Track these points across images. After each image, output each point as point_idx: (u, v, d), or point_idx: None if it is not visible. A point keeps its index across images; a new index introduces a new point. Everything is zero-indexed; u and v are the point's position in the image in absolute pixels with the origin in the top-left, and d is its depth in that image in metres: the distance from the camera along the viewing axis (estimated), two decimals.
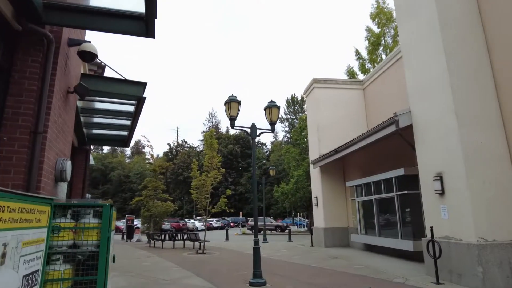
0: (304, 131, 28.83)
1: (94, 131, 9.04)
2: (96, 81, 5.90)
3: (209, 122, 72.83)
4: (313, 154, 16.93)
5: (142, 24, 4.15)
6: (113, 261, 4.22)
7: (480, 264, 6.47)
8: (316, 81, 16.89)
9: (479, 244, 6.56)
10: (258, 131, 8.80)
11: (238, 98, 8.70)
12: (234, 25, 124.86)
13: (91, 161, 12.12)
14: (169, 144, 69.80)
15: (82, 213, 3.59)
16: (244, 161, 56.94)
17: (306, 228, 32.22)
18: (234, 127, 8.68)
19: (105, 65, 8.92)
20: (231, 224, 44.66)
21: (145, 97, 6.18)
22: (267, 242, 18.53)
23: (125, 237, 24.67)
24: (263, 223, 22.14)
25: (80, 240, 3.51)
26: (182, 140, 70.96)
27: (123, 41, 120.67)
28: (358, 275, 8.36)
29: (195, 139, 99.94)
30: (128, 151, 79.85)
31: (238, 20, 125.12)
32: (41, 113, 3.76)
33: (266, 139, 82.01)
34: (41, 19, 3.79)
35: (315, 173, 16.78)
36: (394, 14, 23.19)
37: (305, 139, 28.66)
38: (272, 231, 30.97)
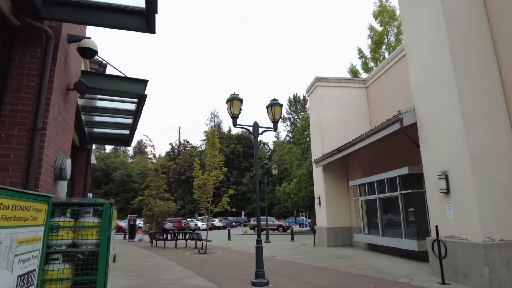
0: (306, 130, 28.72)
1: (96, 129, 8.98)
2: (96, 78, 5.82)
3: (211, 121, 72.85)
4: (315, 153, 16.83)
5: (142, 19, 4.07)
6: (114, 261, 4.14)
7: (487, 264, 6.36)
8: (318, 79, 16.79)
9: (485, 243, 6.45)
10: (261, 130, 8.71)
11: (240, 97, 8.62)
12: (236, 24, 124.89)
13: (93, 161, 12.08)
14: (171, 144, 69.87)
15: (82, 212, 3.52)
16: (246, 160, 56.89)
17: (308, 228, 32.12)
18: (236, 126, 8.59)
19: (107, 63, 8.86)
20: (233, 223, 44.64)
21: (146, 95, 6.10)
22: (270, 242, 18.46)
23: (127, 236, 24.65)
24: (265, 222, 22.05)
25: (80, 239, 3.44)
26: (184, 140, 70.96)
27: (125, 41, 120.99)
28: (361, 275, 8.26)
29: (197, 139, 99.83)
30: (130, 151, 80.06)
31: (240, 18, 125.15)
32: (40, 110, 3.69)
33: (268, 138, 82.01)
34: (39, 14, 3.72)
35: (317, 173, 16.68)
36: (397, 12, 23.10)
37: (307, 139, 28.54)
38: (275, 231, 30.89)
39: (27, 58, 3.76)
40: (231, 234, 23.50)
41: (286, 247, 16.13)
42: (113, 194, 57.79)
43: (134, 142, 75.79)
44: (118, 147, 73.45)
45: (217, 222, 40.54)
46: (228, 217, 45.84)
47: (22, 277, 2.07)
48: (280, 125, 60.29)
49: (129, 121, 7.87)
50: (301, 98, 57.77)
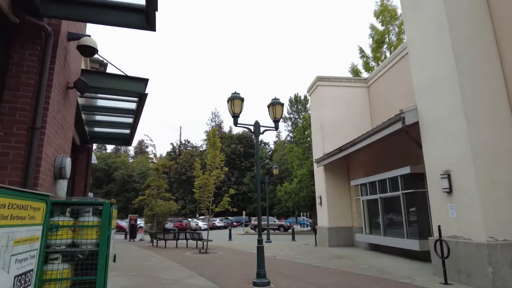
0: (308, 130, 28.66)
1: (96, 129, 8.95)
2: (96, 77, 5.79)
3: (212, 121, 72.81)
4: (317, 153, 16.78)
5: (142, 17, 4.04)
6: (114, 261, 4.11)
7: (490, 264, 6.30)
8: (320, 79, 16.74)
9: (489, 243, 6.39)
10: (262, 129, 8.66)
11: (241, 96, 8.57)
12: (237, 23, 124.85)
13: (94, 160, 12.05)
14: (172, 144, 69.93)
15: (82, 211, 3.48)
16: (247, 160, 56.87)
17: (309, 228, 32.06)
18: (238, 125, 8.55)
19: (107, 62, 8.82)
20: (234, 223, 44.59)
21: (147, 94, 6.06)
22: (271, 242, 18.42)
23: (128, 236, 24.62)
24: (266, 222, 22.00)
25: (79, 239, 3.40)
26: (185, 140, 71.03)
27: (125, 40, 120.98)
28: (363, 275, 8.20)
29: (198, 139, 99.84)
30: (131, 150, 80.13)
31: (241, 17, 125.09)
32: (39, 108, 3.65)
33: (269, 138, 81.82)
34: (38, 11, 3.68)
35: (319, 172, 16.63)
36: (398, 11, 23.04)
37: (309, 138, 28.49)
38: (276, 231, 30.84)
39: (26, 55, 3.72)
40: (232, 234, 23.46)
41: (287, 247, 16.08)
42: (114, 194, 57.80)
43: (135, 142, 75.89)
44: (119, 147, 73.54)
45: (218, 222, 40.51)
46: (229, 217, 45.80)
47: (19, 277, 2.03)
48: (281, 125, 60.13)
49: (130, 120, 7.83)
50: (302, 98, 57.73)
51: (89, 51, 4.65)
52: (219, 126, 69.80)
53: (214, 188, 15.12)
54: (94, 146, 12.82)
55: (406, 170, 10.13)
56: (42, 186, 3.68)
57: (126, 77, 5.83)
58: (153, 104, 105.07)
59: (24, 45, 3.74)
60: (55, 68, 4.00)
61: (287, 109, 58.81)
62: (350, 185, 15.19)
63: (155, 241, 18.44)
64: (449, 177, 7.48)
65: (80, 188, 9.27)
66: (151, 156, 37.83)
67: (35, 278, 2.33)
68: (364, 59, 24.91)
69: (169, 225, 29.69)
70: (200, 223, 36.79)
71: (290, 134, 57.94)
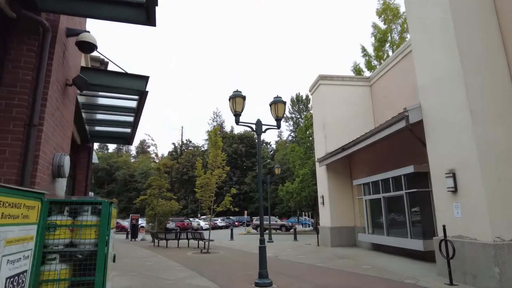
0: (309, 129, 28.57)
1: (97, 128, 8.87)
2: (96, 74, 5.71)
3: (213, 121, 72.70)
4: (319, 152, 16.67)
5: (142, 12, 3.94)
6: (114, 261, 4.03)
7: (497, 264, 6.18)
8: (322, 77, 16.63)
9: (495, 243, 6.28)
10: (264, 127, 8.57)
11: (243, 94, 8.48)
12: (238, 22, 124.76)
13: (95, 160, 11.99)
14: (173, 144, 69.88)
15: (80, 210, 3.40)
16: (249, 160, 56.78)
17: (311, 228, 31.94)
18: (239, 123, 8.45)
19: (108, 61, 8.75)
20: (236, 223, 44.51)
21: (147, 92, 5.98)
22: (273, 242, 18.32)
23: (129, 236, 24.58)
24: (268, 222, 21.90)
25: (78, 238, 3.31)
26: (186, 140, 70.93)
27: (126, 40, 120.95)
28: (366, 276, 8.10)
29: (199, 139, 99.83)
30: (133, 150, 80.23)
31: (242, 16, 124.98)
32: (36, 104, 3.56)
33: (270, 138, 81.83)
34: (36, 5, 3.60)
35: (321, 171, 16.52)
36: (401, 10, 22.89)
37: (310, 138, 28.39)
38: (277, 231, 30.73)
39: (23, 51, 3.64)
40: (233, 234, 23.39)
41: (289, 246, 15.98)
42: (116, 194, 57.87)
43: (136, 142, 76.04)
44: (121, 146, 73.59)
45: (219, 221, 40.43)
46: (230, 217, 45.71)
47: (12, 279, 1.94)
48: (283, 124, 59.85)
49: (131, 119, 7.75)
50: (304, 97, 57.59)
51: (88, 47, 4.56)
52: (220, 126, 69.70)
53: (215, 187, 15.04)
54: (96, 146, 12.77)
55: (409, 169, 10.01)
56: (39, 185, 3.60)
57: (126, 75, 5.75)
58: (155, 104, 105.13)
59: (21, 41, 3.65)
60: (53, 64, 3.91)
61: (289, 108, 58.66)
62: (352, 184, 15.07)
63: (156, 241, 18.38)
64: (454, 176, 7.36)
65: (81, 188, 9.20)
66: (153, 155, 37.82)
67: (30, 280, 2.24)
68: (367, 58, 24.76)
69: (170, 224, 29.66)
70: (202, 223, 36.71)
71: (292, 134, 57.83)
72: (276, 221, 33.55)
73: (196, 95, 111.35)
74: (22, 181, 3.31)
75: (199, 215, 49.16)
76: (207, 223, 34.97)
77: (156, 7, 3.86)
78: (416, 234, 10.03)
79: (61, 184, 4.68)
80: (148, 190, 24.07)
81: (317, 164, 16.85)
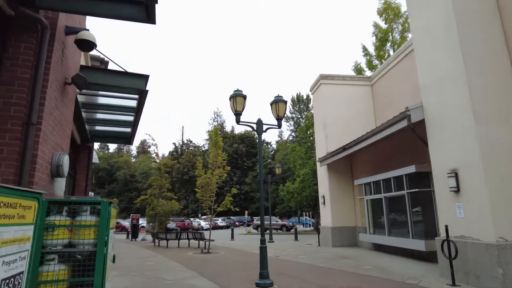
0: (310, 129, 28.52)
1: (97, 127, 8.84)
2: (96, 73, 5.66)
3: (214, 121, 72.65)
4: (320, 152, 16.61)
5: (142, 9, 3.89)
6: (113, 261, 3.98)
7: (500, 265, 6.13)
8: (323, 77, 16.57)
9: (498, 244, 6.22)
10: (265, 127, 8.52)
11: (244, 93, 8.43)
12: (239, 21, 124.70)
13: (95, 160, 11.93)
14: (174, 144, 69.87)
15: (79, 210, 3.35)
16: (249, 160, 56.71)
17: (312, 228, 31.88)
18: (240, 123, 8.40)
19: (108, 60, 8.70)
20: (237, 223, 44.46)
21: (147, 91, 5.94)
22: (273, 242, 18.28)
23: (130, 236, 24.55)
24: (269, 222, 21.86)
25: (77, 239, 3.27)
26: (187, 140, 70.89)
27: (126, 40, 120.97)
28: (368, 276, 8.04)
29: (200, 139, 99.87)
30: (133, 150, 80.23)
31: (242, 17, 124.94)
32: (35, 103, 3.52)
33: (271, 138, 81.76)
34: (34, 2, 3.56)
35: (322, 171, 16.46)
36: (402, 9, 22.82)
37: (311, 138, 28.35)
38: (278, 231, 30.68)
39: (21, 49, 3.60)
40: (234, 234, 23.34)
41: (290, 247, 15.93)
42: (116, 194, 57.87)
43: (137, 142, 76.02)
44: (122, 146, 73.65)
45: (220, 221, 40.38)
46: (231, 217, 45.66)
47: (7, 281, 1.89)
48: (283, 124, 59.94)
49: (131, 118, 7.71)
50: (304, 97, 57.53)
51: (87, 45, 4.52)
52: (221, 126, 69.64)
53: (216, 187, 15.00)
54: (97, 146, 12.75)
55: (411, 169, 9.96)
56: (37, 184, 3.55)
57: (126, 74, 5.70)
58: (155, 104, 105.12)
59: (19, 38, 3.61)
60: (52, 63, 3.87)
61: (289, 108, 58.61)
62: (353, 184, 15.02)
63: (157, 241, 18.34)
64: (456, 175, 7.30)
65: (81, 187, 9.16)
66: (153, 155, 37.76)
67: (26, 281, 2.19)
68: (368, 57, 24.69)
69: (171, 224, 29.61)
70: (202, 223, 36.66)
71: (293, 134, 57.80)
72: (277, 221, 33.48)
73: (197, 94, 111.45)
74: (20, 180, 3.26)
75: (199, 215, 49.13)
76: (207, 223, 34.94)
77: (156, 4, 3.82)
78: (418, 234, 9.97)
79: (60, 184, 4.64)
80: (148, 190, 24.03)
81: (318, 164, 16.80)
